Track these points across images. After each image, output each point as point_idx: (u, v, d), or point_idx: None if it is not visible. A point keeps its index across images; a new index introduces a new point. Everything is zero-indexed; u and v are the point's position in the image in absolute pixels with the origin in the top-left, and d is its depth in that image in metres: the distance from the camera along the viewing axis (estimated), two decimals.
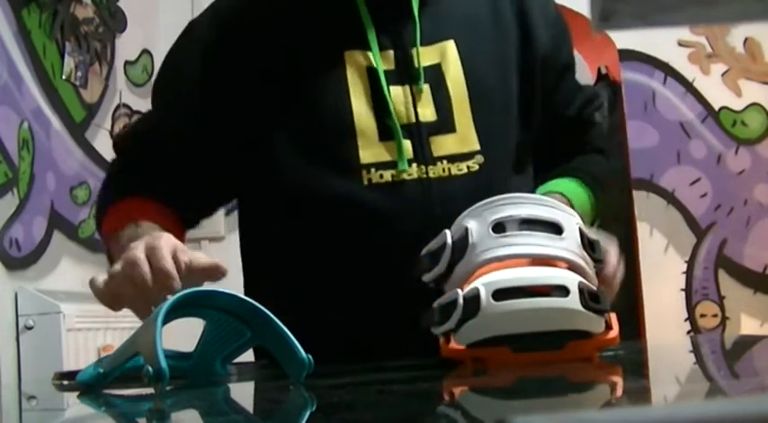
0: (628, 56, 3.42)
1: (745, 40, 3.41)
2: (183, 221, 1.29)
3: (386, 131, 1.20)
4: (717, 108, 3.40)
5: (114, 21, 3.23)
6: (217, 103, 1.26)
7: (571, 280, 0.94)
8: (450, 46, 1.24)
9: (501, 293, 0.93)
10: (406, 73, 1.22)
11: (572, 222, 1.00)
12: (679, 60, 3.43)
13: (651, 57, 3.43)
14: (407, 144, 1.20)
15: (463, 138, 1.22)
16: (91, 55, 3.05)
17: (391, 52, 1.23)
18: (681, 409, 0.41)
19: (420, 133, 1.21)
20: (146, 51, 3.47)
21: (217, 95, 1.26)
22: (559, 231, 0.98)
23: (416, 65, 1.22)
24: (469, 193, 1.17)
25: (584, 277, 0.96)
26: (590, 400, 0.73)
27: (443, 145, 1.21)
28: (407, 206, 1.18)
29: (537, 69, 1.30)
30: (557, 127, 1.34)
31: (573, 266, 0.97)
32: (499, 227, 0.98)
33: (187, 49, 1.31)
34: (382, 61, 1.22)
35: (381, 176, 1.19)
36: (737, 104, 3.40)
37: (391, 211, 1.18)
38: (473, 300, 0.94)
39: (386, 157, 1.19)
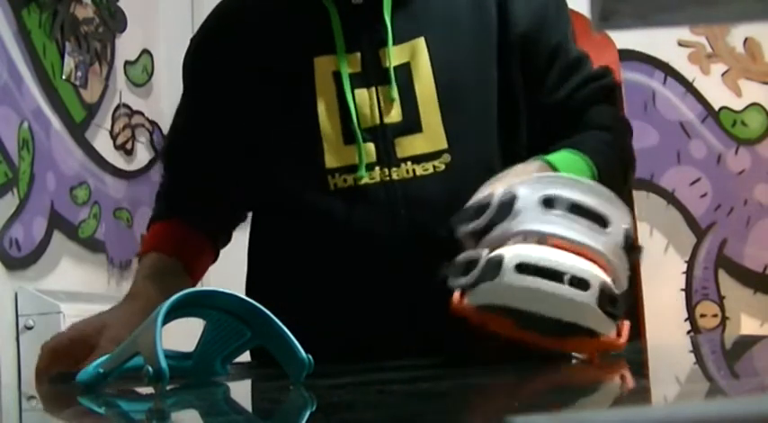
0: (628, 56, 3.41)
1: (745, 40, 3.41)
2: (208, 237, 1.36)
3: (350, 135, 1.20)
4: (717, 108, 3.40)
5: (114, 21, 3.23)
6: (211, 114, 1.32)
7: (595, 277, 0.93)
8: (420, 44, 1.22)
9: (523, 267, 0.92)
10: (372, 75, 1.22)
11: (620, 220, 0.98)
12: (679, 60, 3.42)
13: (651, 57, 3.43)
14: (371, 147, 1.20)
15: (430, 137, 1.20)
16: (91, 55, 3.05)
17: (358, 55, 1.22)
18: (681, 409, 0.41)
19: (384, 135, 1.20)
20: (146, 51, 3.47)
21: (210, 107, 1.32)
22: (605, 225, 0.97)
23: (387, 65, 1.21)
24: (435, 194, 1.17)
25: (614, 278, 0.95)
26: (590, 400, 0.73)
27: (409, 145, 1.20)
28: (371, 209, 1.18)
29: (514, 54, 1.25)
30: (551, 113, 1.27)
31: (605, 264, 0.96)
32: (548, 203, 0.96)
33: (184, 63, 1.38)
34: (349, 65, 1.21)
35: (345, 181, 1.19)
36: (737, 104, 3.40)
37: (355, 216, 1.18)
38: (496, 264, 0.93)
39: (349, 161, 1.20)
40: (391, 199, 1.18)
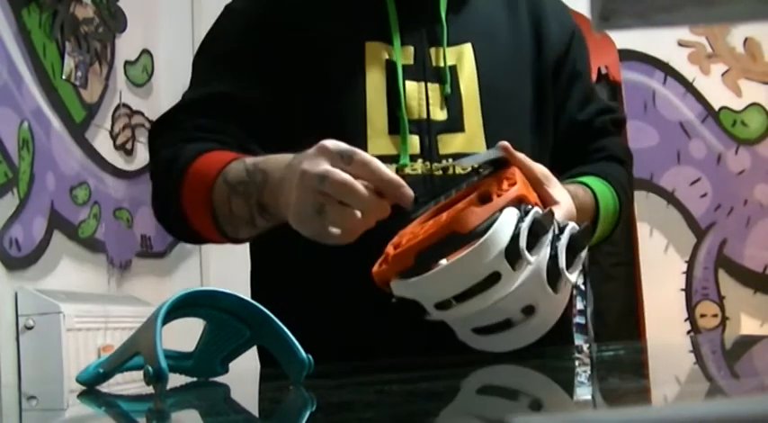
0: (628, 56, 3.42)
1: (745, 40, 3.41)
2: None
3: (396, 125, 1.21)
4: (717, 108, 3.40)
5: (114, 21, 3.23)
6: (247, 82, 1.25)
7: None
8: (468, 49, 1.26)
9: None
10: (422, 71, 1.24)
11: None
12: (679, 60, 3.43)
13: (651, 57, 3.43)
14: (415, 139, 1.21)
15: (471, 138, 1.23)
16: (91, 55, 3.05)
17: (411, 49, 1.25)
18: (681, 409, 0.41)
19: (429, 130, 1.22)
20: (146, 51, 3.47)
21: (253, 76, 1.25)
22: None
23: (441, 64, 1.24)
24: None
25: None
26: (590, 401, 0.73)
27: (451, 143, 1.22)
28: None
29: (548, 74, 1.32)
30: (569, 132, 1.35)
31: None
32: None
33: (231, 24, 1.30)
34: (402, 56, 1.23)
35: None
36: (737, 104, 3.40)
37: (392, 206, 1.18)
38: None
39: (392, 151, 1.20)
40: (430, 193, 1.18)
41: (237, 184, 1.09)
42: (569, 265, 0.98)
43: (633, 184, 1.41)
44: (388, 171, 0.95)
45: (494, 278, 0.95)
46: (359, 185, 0.93)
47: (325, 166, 0.94)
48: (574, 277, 0.98)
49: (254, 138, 1.24)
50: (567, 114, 1.34)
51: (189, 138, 1.21)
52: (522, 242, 0.94)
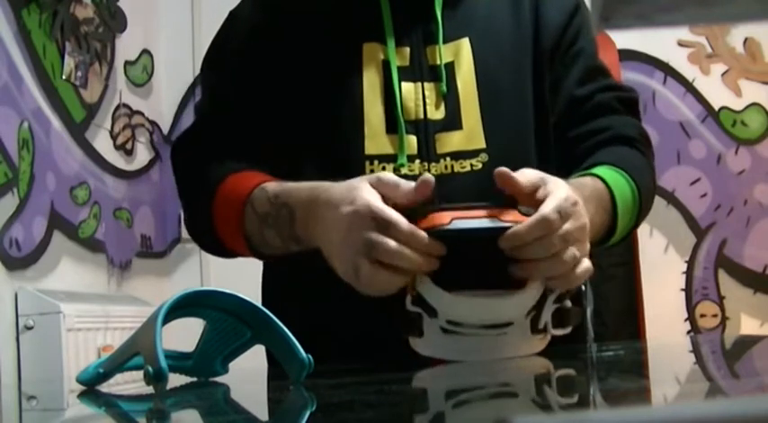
0: (628, 56, 3.41)
1: (745, 40, 3.41)
2: None
3: (393, 125, 1.21)
4: (717, 108, 3.40)
5: (114, 21, 3.23)
6: (254, 92, 1.28)
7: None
8: (465, 44, 1.25)
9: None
10: (419, 71, 1.24)
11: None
12: (679, 60, 3.43)
13: (651, 57, 3.43)
14: (412, 139, 1.21)
15: (469, 135, 1.22)
16: (91, 55, 3.05)
17: (407, 49, 1.25)
18: (681, 409, 0.41)
19: (426, 130, 1.22)
20: (146, 51, 3.47)
21: (253, 85, 1.28)
22: None
23: (437, 62, 1.23)
24: (470, 191, 1.17)
25: None
26: (590, 401, 0.73)
27: (449, 142, 1.22)
28: None
29: (546, 61, 1.28)
30: (569, 111, 1.29)
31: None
32: None
33: (236, 33, 1.33)
34: (397, 57, 1.23)
35: (384, 169, 1.19)
36: (737, 104, 3.40)
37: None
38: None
39: (389, 151, 1.20)
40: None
41: (266, 216, 1.16)
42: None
43: (653, 167, 1.31)
44: (424, 235, 0.98)
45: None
46: (407, 251, 0.98)
47: (370, 234, 0.99)
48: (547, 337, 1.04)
49: (261, 144, 1.27)
50: (565, 92, 1.28)
51: (209, 157, 1.27)
52: (548, 319, 1.02)
